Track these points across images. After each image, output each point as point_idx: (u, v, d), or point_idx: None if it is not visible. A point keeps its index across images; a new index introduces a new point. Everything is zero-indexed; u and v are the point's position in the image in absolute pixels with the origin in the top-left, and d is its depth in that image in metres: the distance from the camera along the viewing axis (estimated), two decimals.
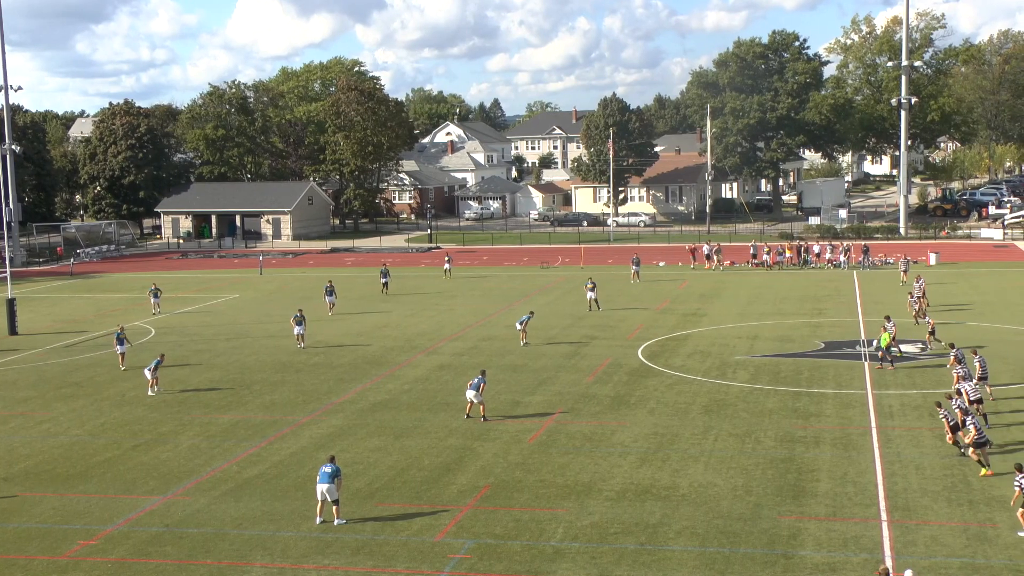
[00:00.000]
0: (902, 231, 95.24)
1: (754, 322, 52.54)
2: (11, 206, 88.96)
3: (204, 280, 78.26)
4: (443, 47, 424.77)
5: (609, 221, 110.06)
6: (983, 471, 27.63)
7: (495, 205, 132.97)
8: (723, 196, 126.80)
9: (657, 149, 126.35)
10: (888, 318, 42.99)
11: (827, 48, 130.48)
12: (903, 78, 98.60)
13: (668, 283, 68.46)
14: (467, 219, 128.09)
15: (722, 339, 48.20)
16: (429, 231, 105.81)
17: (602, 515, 25.74)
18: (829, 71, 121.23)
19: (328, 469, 25.81)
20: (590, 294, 57.29)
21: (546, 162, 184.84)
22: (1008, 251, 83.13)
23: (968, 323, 50.56)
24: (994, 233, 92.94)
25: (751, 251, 77.47)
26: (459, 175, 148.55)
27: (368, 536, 24.86)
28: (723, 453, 30.46)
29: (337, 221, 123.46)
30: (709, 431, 32.76)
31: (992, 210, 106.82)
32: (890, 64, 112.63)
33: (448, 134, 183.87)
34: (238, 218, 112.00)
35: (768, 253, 75.66)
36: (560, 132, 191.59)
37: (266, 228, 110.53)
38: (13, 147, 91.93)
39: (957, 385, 33.15)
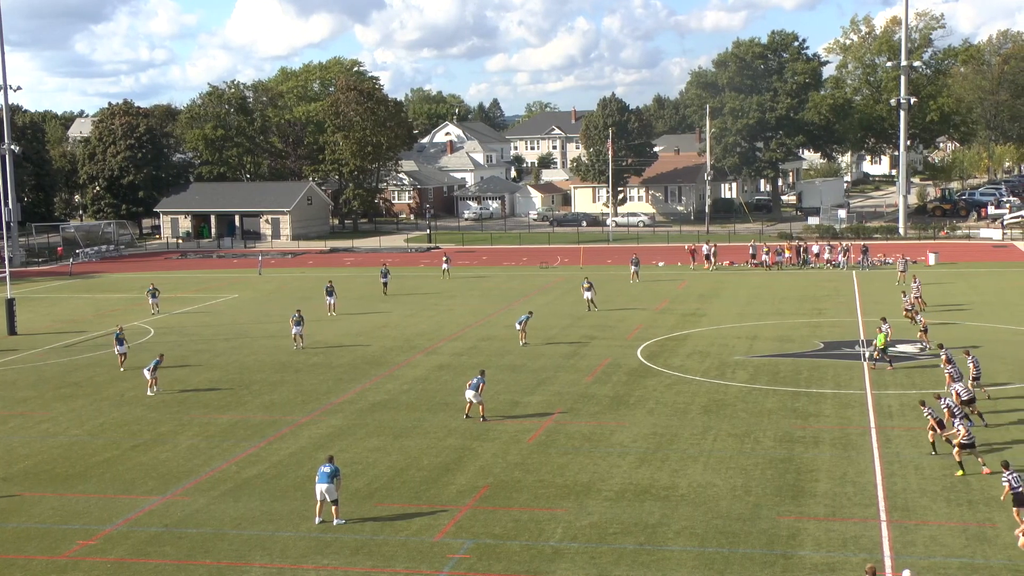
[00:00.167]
0: (901, 231, 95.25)
1: (753, 322, 52.56)
2: (10, 206, 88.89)
3: (203, 280, 78.26)
4: (442, 47, 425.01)
5: (608, 221, 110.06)
6: (959, 472, 27.71)
7: (494, 205, 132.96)
8: (722, 196, 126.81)
9: (656, 149, 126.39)
10: (884, 319, 43.04)
11: (826, 48, 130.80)
12: (902, 78, 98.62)
13: (667, 283, 68.46)
14: (466, 219, 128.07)
15: (721, 339, 48.21)
16: (428, 231, 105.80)
17: (601, 515, 25.75)
18: (828, 71, 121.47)
19: (327, 469, 25.81)
20: (587, 294, 57.32)
21: (545, 162, 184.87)
22: (1007, 251, 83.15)
23: (967, 323, 50.58)
24: (993, 233, 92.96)
25: (750, 251, 77.49)
26: (458, 175, 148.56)
27: (367, 536, 24.86)
28: (722, 453, 30.47)
29: (336, 221, 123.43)
30: (708, 431, 32.77)
31: (991, 210, 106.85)
32: (889, 64, 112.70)
33: (447, 134, 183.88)
34: (237, 218, 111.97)
35: (767, 253, 75.69)
36: (559, 132, 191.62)
37: (265, 228, 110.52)
38: (12, 147, 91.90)
39: (950, 386, 33.11)
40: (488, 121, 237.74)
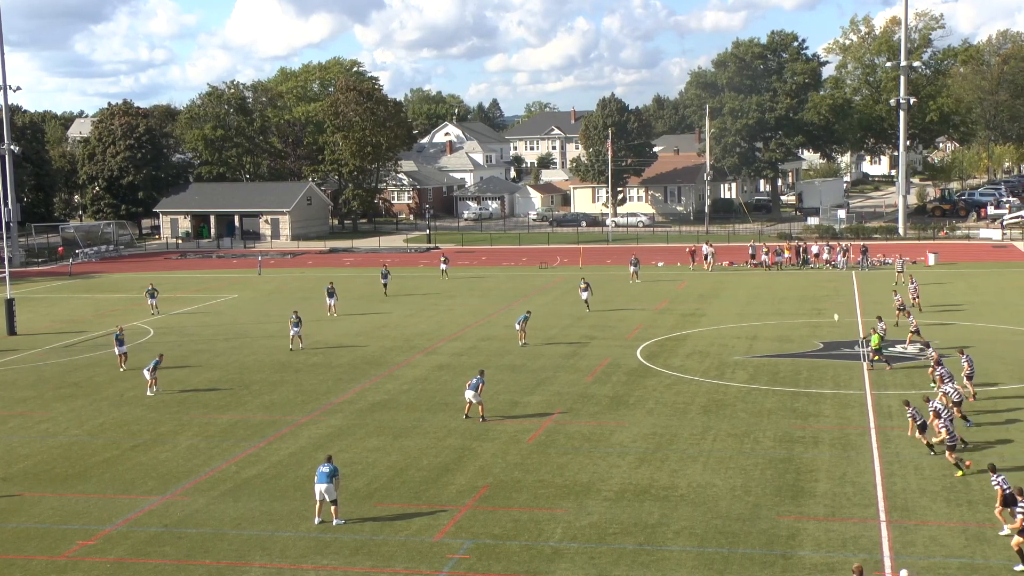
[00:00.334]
0: (901, 231, 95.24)
1: (753, 322, 52.56)
2: (10, 206, 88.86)
3: (203, 280, 78.24)
4: (442, 47, 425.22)
5: (608, 221, 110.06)
6: (958, 472, 27.69)
7: (494, 205, 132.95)
8: (722, 196, 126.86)
9: (656, 149, 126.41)
10: (880, 318, 43.09)
11: (826, 48, 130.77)
12: (902, 78, 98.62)
13: (667, 283, 68.46)
14: (466, 219, 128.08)
15: (721, 339, 48.21)
16: (428, 231, 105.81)
17: (601, 515, 25.75)
18: (828, 71, 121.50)
19: (326, 469, 25.81)
20: (584, 294, 57.30)
21: (545, 162, 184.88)
22: (1007, 251, 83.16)
23: (966, 323, 50.58)
24: (993, 233, 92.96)
25: (750, 251, 77.50)
26: (458, 175, 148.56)
27: (367, 536, 24.86)
28: (722, 453, 30.47)
29: (336, 221, 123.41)
30: (708, 431, 32.77)
31: (991, 210, 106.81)
32: (889, 64, 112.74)
33: (447, 134, 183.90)
34: (237, 218, 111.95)
35: (767, 253, 75.70)
36: (559, 132, 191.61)
37: (265, 228, 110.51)
38: (12, 147, 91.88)
39: (941, 387, 33.12)
40: (488, 121, 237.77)
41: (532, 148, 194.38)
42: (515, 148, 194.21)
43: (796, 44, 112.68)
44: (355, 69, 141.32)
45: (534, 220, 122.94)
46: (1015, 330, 48.49)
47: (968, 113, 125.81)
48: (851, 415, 34.19)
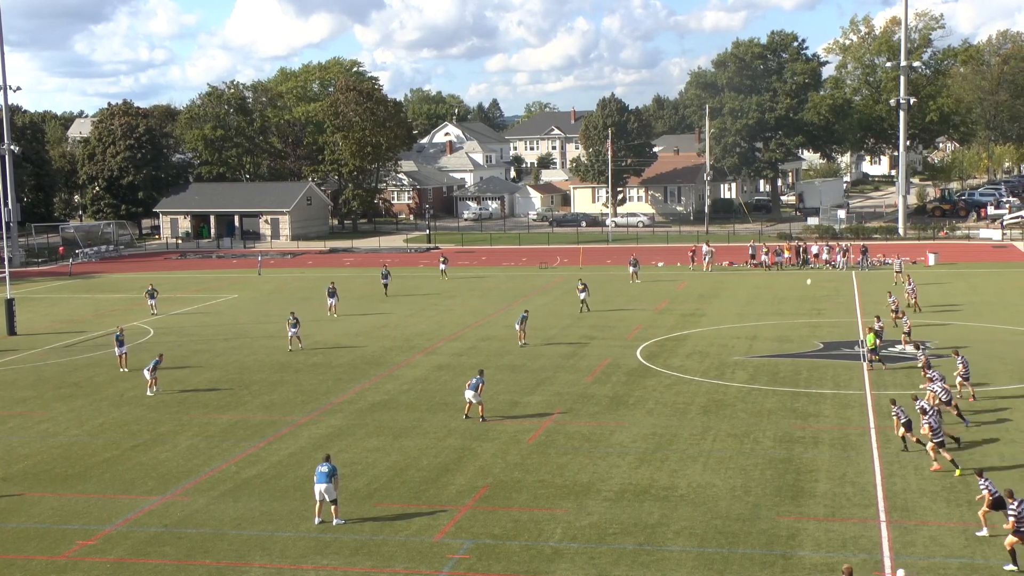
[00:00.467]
0: (901, 231, 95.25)
1: (753, 322, 52.56)
2: (10, 206, 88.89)
3: (203, 280, 78.24)
4: (442, 47, 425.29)
5: (608, 221, 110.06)
6: (956, 472, 27.70)
7: (494, 205, 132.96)
8: (722, 196, 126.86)
9: (656, 149, 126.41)
10: (879, 318, 43.10)
11: (826, 48, 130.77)
12: (902, 78, 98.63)
13: (667, 283, 68.46)
14: (466, 219, 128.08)
15: (721, 339, 48.21)
16: (428, 231, 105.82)
17: (601, 515, 25.74)
18: (828, 71, 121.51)
19: (325, 469, 25.79)
20: (581, 295, 57.27)
21: (545, 162, 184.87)
22: (1007, 251, 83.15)
23: (966, 323, 50.57)
24: (993, 233, 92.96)
25: (750, 251, 77.51)
26: (458, 175, 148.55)
27: (367, 536, 24.86)
28: (722, 453, 30.46)
29: (336, 221, 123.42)
30: (708, 431, 32.77)
31: (991, 210, 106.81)
32: (889, 64, 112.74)
33: (447, 134, 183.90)
34: (237, 218, 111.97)
35: (767, 253, 75.71)
36: (559, 132, 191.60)
37: (265, 228, 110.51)
38: (12, 147, 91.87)
39: (929, 386, 33.19)
40: (488, 121, 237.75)
41: (532, 148, 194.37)
42: (515, 148, 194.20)
43: (796, 44, 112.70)
44: (355, 69, 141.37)
45: (534, 220, 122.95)
46: (1015, 330, 48.48)
47: (968, 113, 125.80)
48: (851, 415, 34.18)
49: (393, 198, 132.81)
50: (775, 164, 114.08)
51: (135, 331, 53.72)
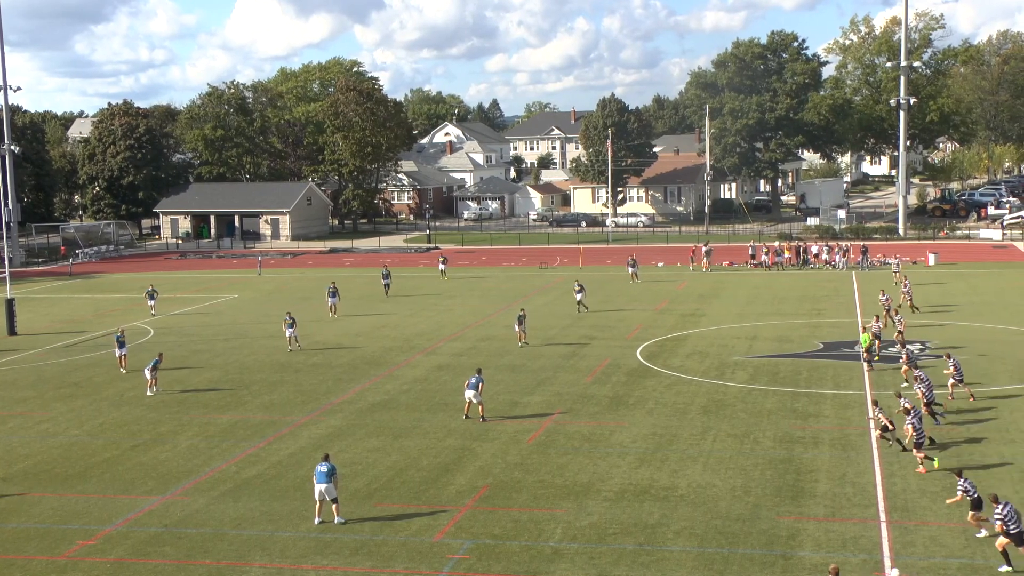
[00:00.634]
0: (901, 232, 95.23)
1: (753, 322, 52.55)
2: (10, 206, 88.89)
3: (203, 280, 78.24)
4: (442, 47, 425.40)
5: (608, 222, 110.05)
6: (919, 468, 27.88)
7: (494, 205, 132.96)
8: (722, 197, 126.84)
9: (656, 150, 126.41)
10: (877, 318, 43.07)
11: (826, 48, 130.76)
12: (902, 78, 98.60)
13: (667, 283, 68.45)
14: (466, 219, 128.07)
15: (721, 339, 48.20)
16: (428, 232, 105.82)
17: (601, 515, 25.74)
18: (828, 71, 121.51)
19: (324, 468, 25.79)
20: (578, 296, 57.23)
21: (545, 162, 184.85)
22: (1007, 252, 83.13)
23: (966, 324, 50.56)
24: (993, 234, 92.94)
25: (750, 251, 77.51)
26: (458, 175, 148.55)
27: (367, 536, 24.86)
28: (722, 453, 30.46)
29: (336, 221, 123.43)
30: (708, 431, 32.77)
31: (991, 211, 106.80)
32: (889, 64, 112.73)
33: (447, 134, 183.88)
34: (237, 218, 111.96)
35: (767, 254, 75.71)
36: (559, 132, 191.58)
37: (265, 228, 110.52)
38: (12, 147, 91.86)
39: (915, 386, 33.27)
40: (488, 121, 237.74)
41: (532, 148, 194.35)
42: (515, 148, 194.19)
43: (796, 44, 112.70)
44: (355, 69, 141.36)
45: (534, 220, 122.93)
46: (1015, 330, 48.47)
47: (968, 113, 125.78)
48: (851, 415, 34.18)
49: (393, 198, 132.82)
50: (775, 164, 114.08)
51: (135, 331, 53.72)
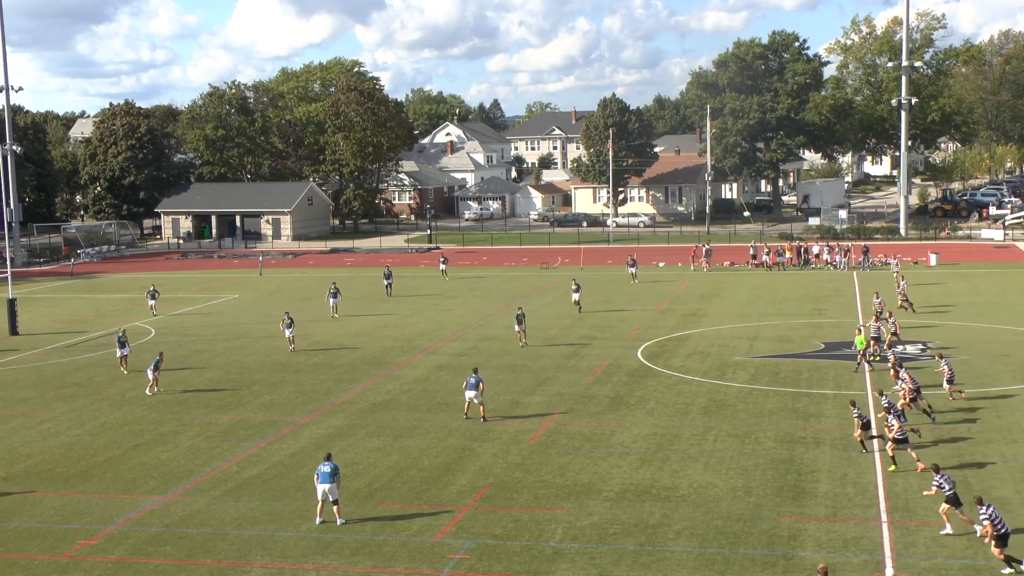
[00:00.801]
0: (902, 232, 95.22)
1: (754, 323, 52.55)
2: (12, 206, 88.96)
3: (204, 280, 78.27)
4: (443, 47, 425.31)
5: (609, 222, 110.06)
6: (891, 467, 28.14)
7: (495, 205, 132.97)
8: (723, 197, 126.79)
9: (657, 150, 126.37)
10: (877, 317, 43.02)
11: (827, 48, 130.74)
12: (903, 78, 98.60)
13: (668, 283, 68.45)
14: (467, 219, 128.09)
15: (722, 340, 48.20)
16: (429, 232, 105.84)
17: (601, 515, 25.75)
18: (829, 71, 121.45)
19: (327, 468, 25.78)
20: (575, 295, 57.22)
21: (546, 162, 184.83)
22: (1009, 252, 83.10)
23: (967, 324, 50.54)
24: (994, 234, 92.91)
25: (751, 252, 77.50)
26: (459, 175, 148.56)
27: (368, 536, 24.87)
28: (723, 454, 30.46)
29: (337, 221, 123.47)
30: (709, 432, 32.77)
31: (992, 211, 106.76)
32: (890, 64, 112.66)
33: (448, 134, 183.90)
34: (238, 218, 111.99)
35: (768, 254, 75.70)
36: (560, 133, 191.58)
37: (266, 228, 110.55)
38: (14, 147, 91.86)
39: (898, 383, 33.39)
40: (488, 121, 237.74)
41: (533, 148, 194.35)
42: (516, 148, 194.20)
43: (797, 44, 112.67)
44: (356, 69, 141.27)
45: (535, 220, 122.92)
46: (1016, 330, 48.46)
47: (970, 113, 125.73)
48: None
49: (394, 198, 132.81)
50: (776, 164, 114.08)
51: (136, 331, 53.74)
